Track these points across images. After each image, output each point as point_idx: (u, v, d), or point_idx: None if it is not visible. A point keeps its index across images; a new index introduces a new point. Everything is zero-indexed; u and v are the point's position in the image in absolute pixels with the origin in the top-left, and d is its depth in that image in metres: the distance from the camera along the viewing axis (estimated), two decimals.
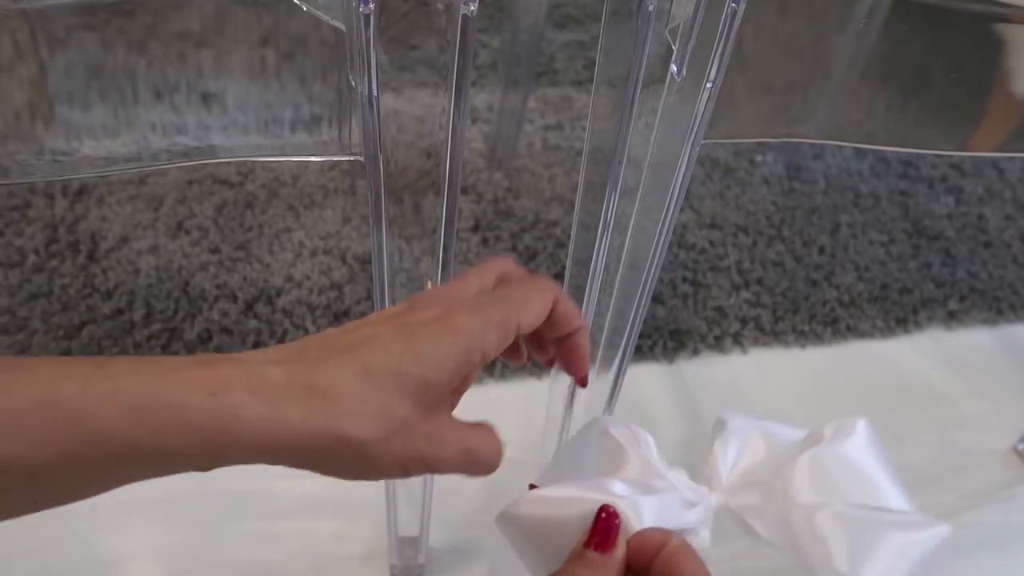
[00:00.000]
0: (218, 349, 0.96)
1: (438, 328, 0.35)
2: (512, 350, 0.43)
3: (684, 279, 1.11)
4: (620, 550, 0.35)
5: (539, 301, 0.39)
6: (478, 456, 0.37)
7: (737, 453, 0.39)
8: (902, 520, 0.34)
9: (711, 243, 1.17)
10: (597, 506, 0.35)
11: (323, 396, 0.33)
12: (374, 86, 0.42)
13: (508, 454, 0.38)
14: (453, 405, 0.40)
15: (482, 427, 0.38)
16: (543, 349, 0.44)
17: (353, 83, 0.43)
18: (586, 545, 0.35)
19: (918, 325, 1.11)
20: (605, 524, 0.35)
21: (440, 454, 0.35)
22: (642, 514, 0.35)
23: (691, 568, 0.35)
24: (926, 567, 0.33)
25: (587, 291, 0.58)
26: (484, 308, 0.37)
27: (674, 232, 0.58)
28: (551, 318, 0.40)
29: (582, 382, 0.45)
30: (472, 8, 0.40)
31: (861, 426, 0.38)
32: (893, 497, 0.36)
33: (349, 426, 0.33)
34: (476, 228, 1.13)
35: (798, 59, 0.49)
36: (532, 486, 0.37)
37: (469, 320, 0.36)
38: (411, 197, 0.49)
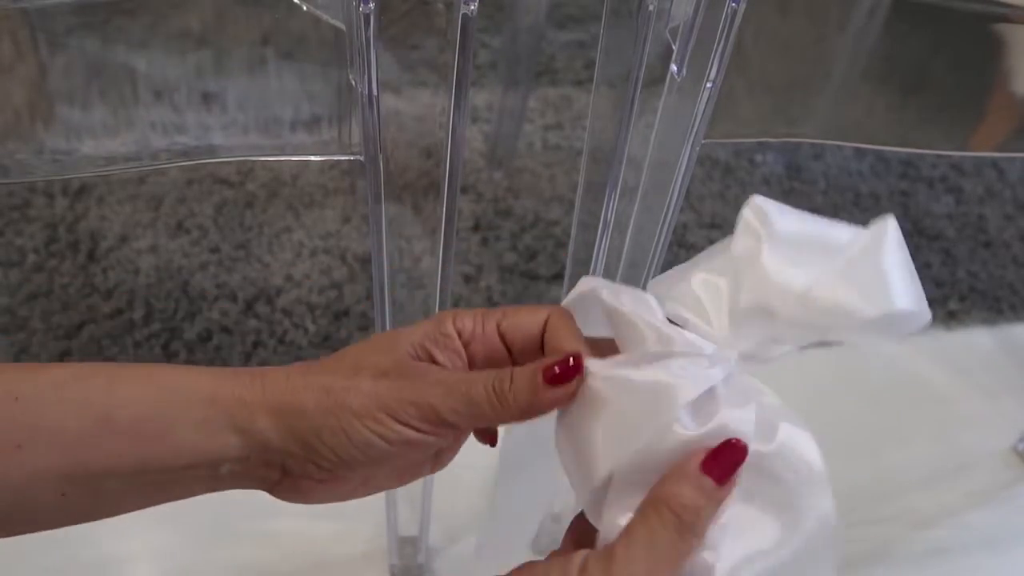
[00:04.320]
0: (218, 349, 0.96)
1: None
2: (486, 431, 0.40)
3: None
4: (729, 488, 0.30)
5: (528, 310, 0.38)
6: (461, 385, 0.34)
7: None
8: None
9: (711, 243, 1.16)
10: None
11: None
12: (374, 86, 0.42)
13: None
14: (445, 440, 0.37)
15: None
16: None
17: (353, 83, 0.43)
18: (703, 468, 0.30)
19: None
20: (731, 455, 0.30)
21: (416, 384, 0.34)
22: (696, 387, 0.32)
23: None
24: None
25: None
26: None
27: (674, 232, 0.58)
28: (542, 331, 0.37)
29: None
30: (472, 8, 0.40)
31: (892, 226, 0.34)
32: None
33: (321, 376, 0.36)
34: (476, 228, 1.13)
35: (798, 59, 0.49)
36: None
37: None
38: (411, 197, 0.49)
